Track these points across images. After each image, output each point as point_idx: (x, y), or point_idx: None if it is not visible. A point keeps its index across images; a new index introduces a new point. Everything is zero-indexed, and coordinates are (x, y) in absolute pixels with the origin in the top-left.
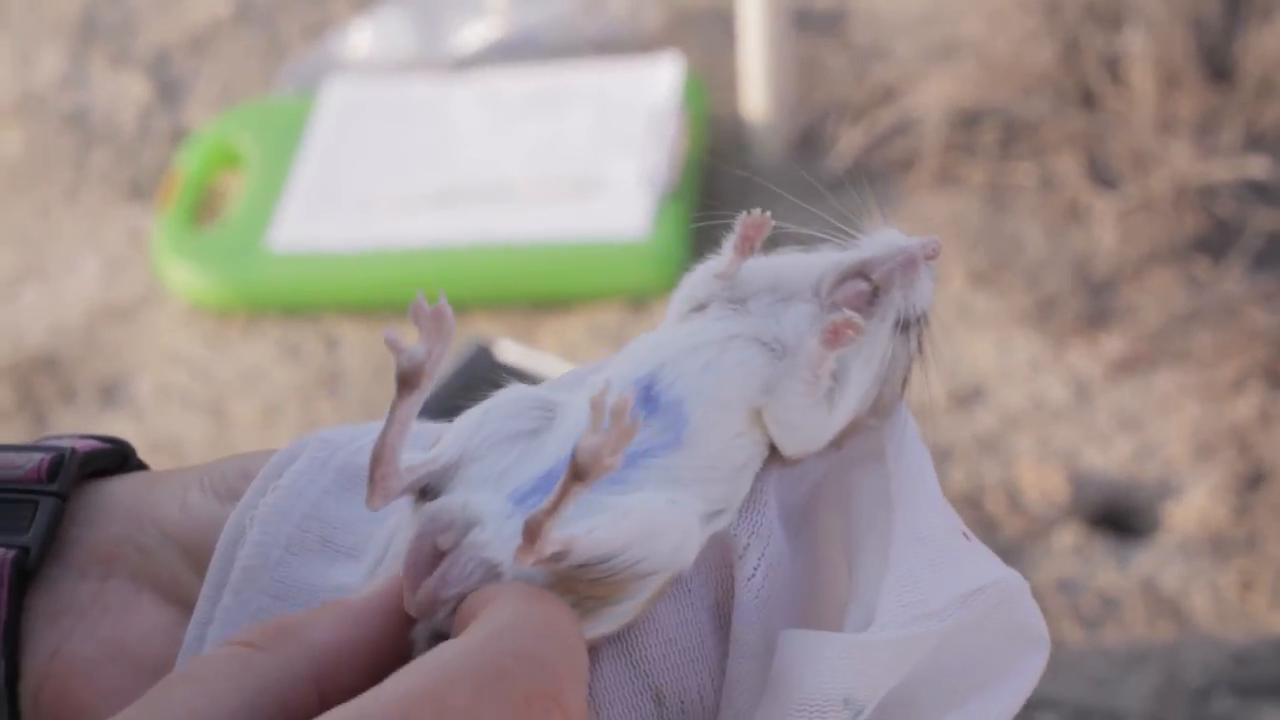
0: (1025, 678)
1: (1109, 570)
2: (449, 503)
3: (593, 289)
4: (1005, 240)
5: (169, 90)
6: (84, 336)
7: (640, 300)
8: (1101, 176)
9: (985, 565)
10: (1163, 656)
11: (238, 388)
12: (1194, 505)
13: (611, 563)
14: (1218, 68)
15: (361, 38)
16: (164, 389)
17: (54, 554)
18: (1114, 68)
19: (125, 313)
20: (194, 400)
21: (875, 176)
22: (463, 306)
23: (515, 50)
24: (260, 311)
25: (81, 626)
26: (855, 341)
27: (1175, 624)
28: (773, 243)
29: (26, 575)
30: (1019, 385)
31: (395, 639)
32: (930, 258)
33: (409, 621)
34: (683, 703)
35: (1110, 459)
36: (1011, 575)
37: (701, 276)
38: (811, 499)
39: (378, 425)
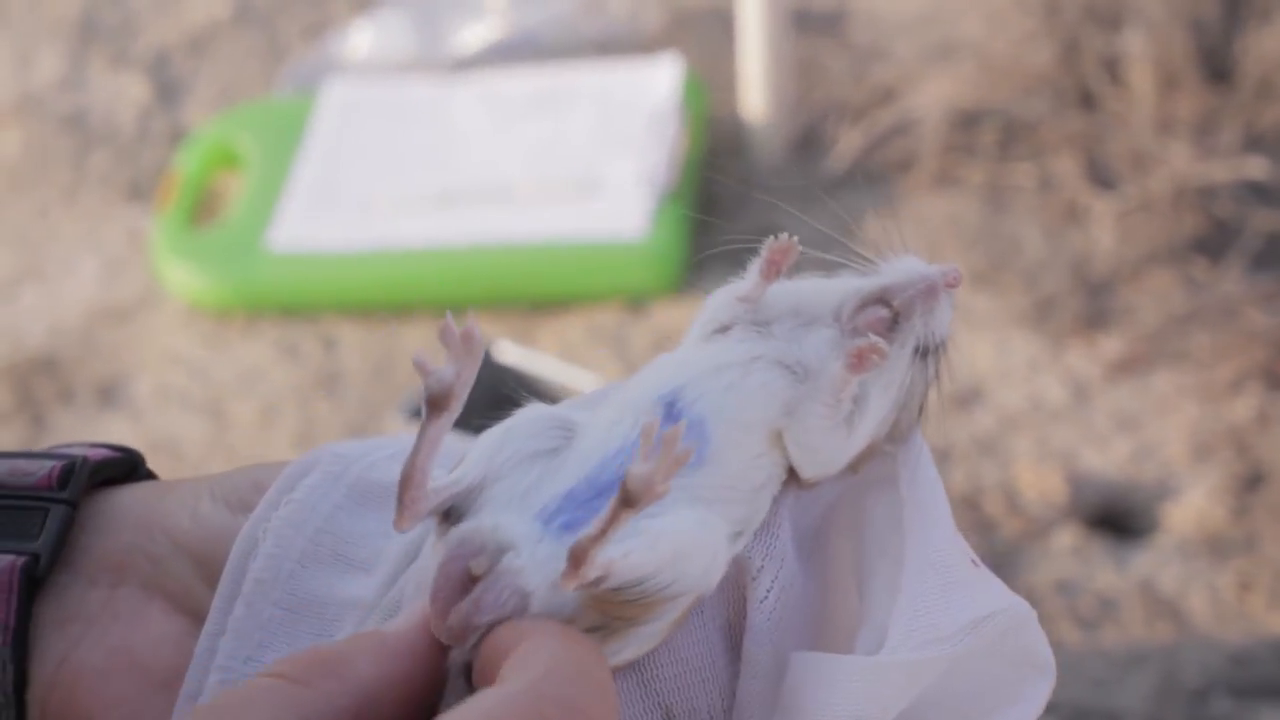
0: (1032, 704)
1: (1107, 571)
2: (479, 526)
3: (592, 290)
4: (1004, 241)
5: (168, 91)
6: (83, 337)
7: (639, 301)
8: (1100, 177)
9: (994, 592)
10: (1161, 657)
11: (236, 388)
12: (1192, 506)
13: (644, 585)
14: (1217, 69)
15: (361, 38)
16: (163, 390)
17: (64, 561)
18: (1113, 68)
19: (124, 313)
20: (193, 401)
21: (874, 177)
22: (462, 307)
23: (515, 51)
24: (259, 312)
25: (90, 635)
26: (877, 367)
27: (1173, 625)
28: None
29: (36, 582)
30: (1017, 386)
31: (433, 674)
32: (951, 286)
33: (444, 654)
34: None
35: (1108, 460)
36: (1019, 602)
37: (725, 298)
38: (824, 522)
39: (390, 441)
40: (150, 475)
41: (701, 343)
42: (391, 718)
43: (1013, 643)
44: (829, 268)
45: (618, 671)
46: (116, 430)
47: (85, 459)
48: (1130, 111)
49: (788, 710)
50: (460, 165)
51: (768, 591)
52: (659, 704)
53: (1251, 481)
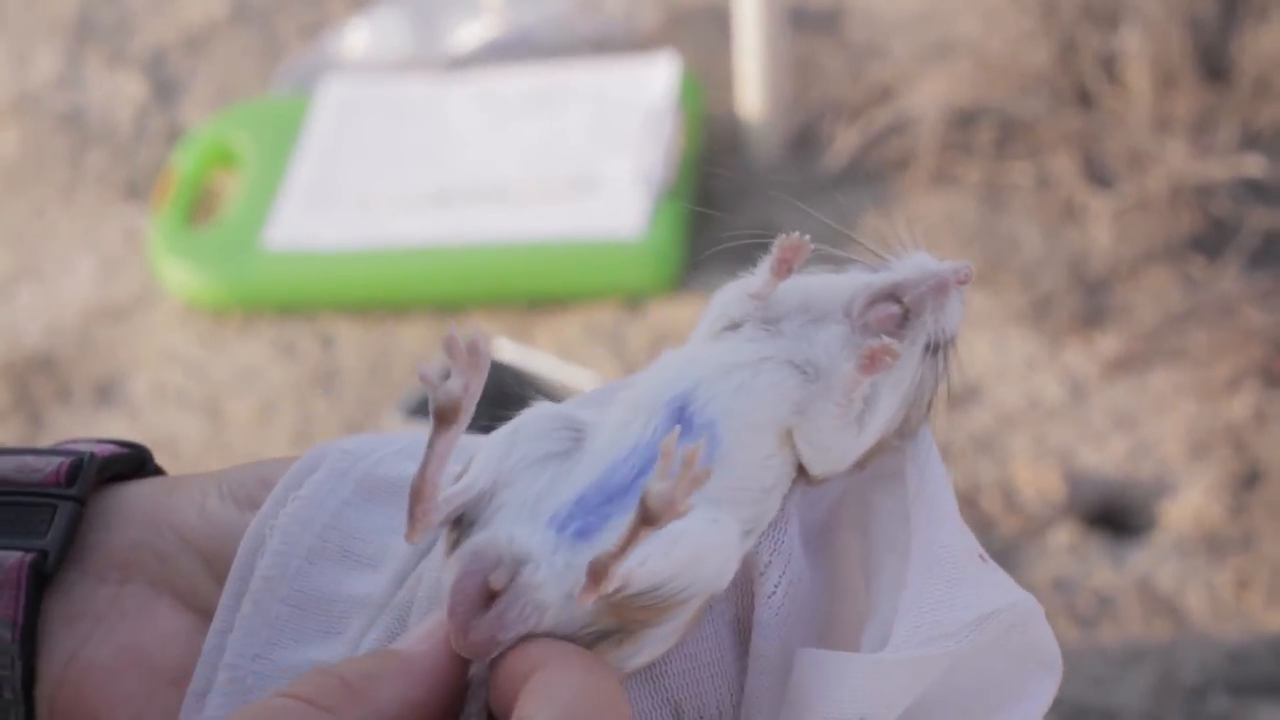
0: (1038, 700)
1: (1105, 569)
2: (494, 539)
3: (589, 288)
4: (1001, 239)
5: (165, 90)
6: (80, 336)
7: (636, 299)
8: (1097, 176)
9: (1001, 588)
10: (1158, 655)
11: (233, 387)
12: (1189, 504)
13: (661, 590)
14: (1214, 67)
15: (358, 37)
16: (160, 388)
17: (72, 558)
18: (1110, 67)
19: (121, 312)
20: (190, 399)
21: (871, 176)
22: (459, 305)
23: (511, 49)
24: (256, 310)
25: (98, 631)
26: (889, 368)
27: (1171, 623)
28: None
29: (44, 579)
30: (1015, 384)
31: (455, 697)
32: (962, 282)
33: (465, 675)
34: (701, 717)
35: (1106, 458)
36: (1026, 598)
37: (735, 295)
38: (831, 518)
39: (397, 436)
40: (158, 470)
41: (710, 340)
42: None
43: (1019, 638)
44: (838, 263)
45: (633, 673)
46: (114, 429)
47: (93, 455)
48: (1127, 110)
49: (793, 707)
50: (457, 164)
51: (775, 587)
52: (668, 700)
53: (1249, 479)
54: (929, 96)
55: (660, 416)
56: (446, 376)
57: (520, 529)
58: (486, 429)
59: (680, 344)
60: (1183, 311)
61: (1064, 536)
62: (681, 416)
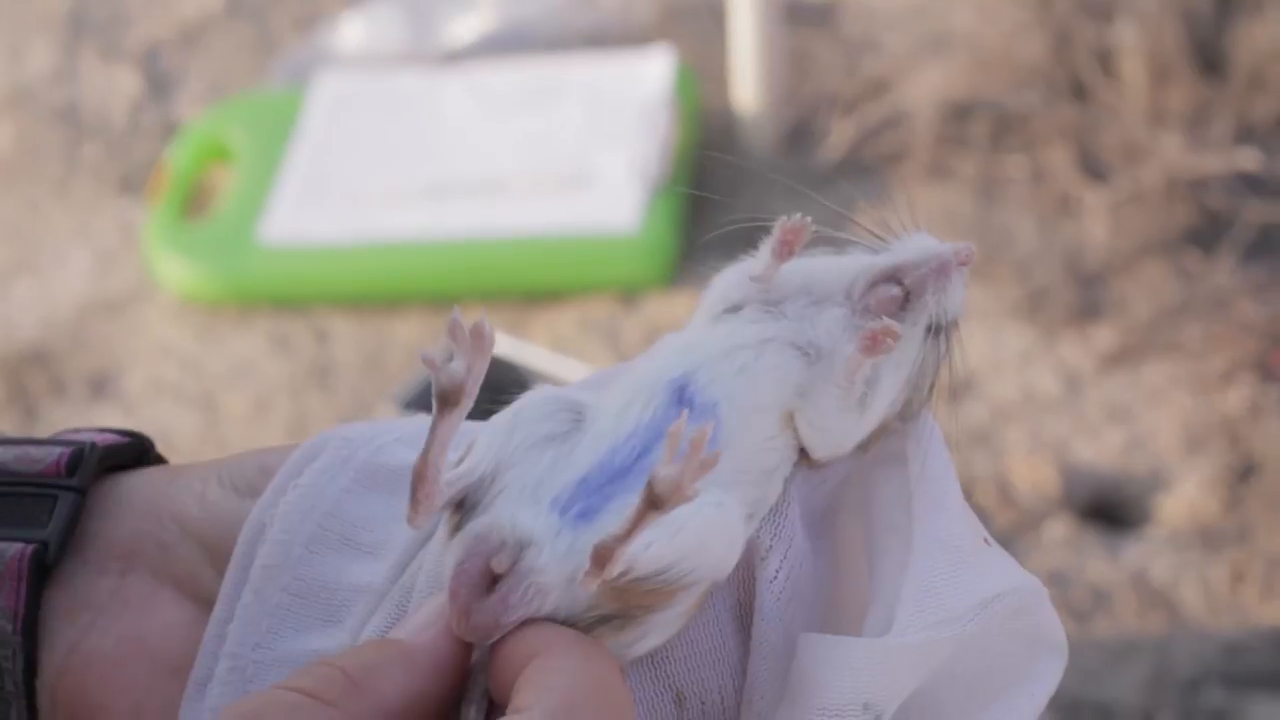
0: (1044, 683)
1: (1099, 562)
2: (496, 521)
3: (584, 282)
4: (996, 232)
5: (159, 84)
6: (74, 330)
7: (631, 293)
8: (1092, 169)
9: (1005, 570)
10: (1153, 648)
11: (228, 381)
12: (1184, 497)
13: (665, 575)
14: (1209, 60)
15: (352, 31)
16: (154, 382)
17: (73, 549)
18: (1105, 60)
19: (116, 306)
20: (184, 393)
21: (866, 169)
22: (453, 299)
23: (506, 43)
24: (251, 305)
25: (100, 622)
26: (890, 350)
27: (1166, 616)
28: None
29: (45, 570)
30: (1009, 377)
31: (456, 686)
32: (964, 263)
33: (467, 664)
34: (703, 703)
35: (1101, 451)
36: (1031, 581)
37: (736, 277)
38: (833, 501)
39: (396, 424)
40: (159, 459)
41: (711, 323)
42: None
43: (1024, 621)
44: (839, 246)
45: (635, 661)
46: (108, 423)
47: (93, 445)
48: (1122, 103)
49: (796, 692)
50: (452, 158)
51: (777, 571)
52: (670, 686)
53: (1243, 472)
54: (924, 90)
55: (661, 397)
56: (449, 360)
57: (523, 512)
58: (486, 414)
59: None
60: (1178, 305)
61: (1059, 530)
62: (683, 398)
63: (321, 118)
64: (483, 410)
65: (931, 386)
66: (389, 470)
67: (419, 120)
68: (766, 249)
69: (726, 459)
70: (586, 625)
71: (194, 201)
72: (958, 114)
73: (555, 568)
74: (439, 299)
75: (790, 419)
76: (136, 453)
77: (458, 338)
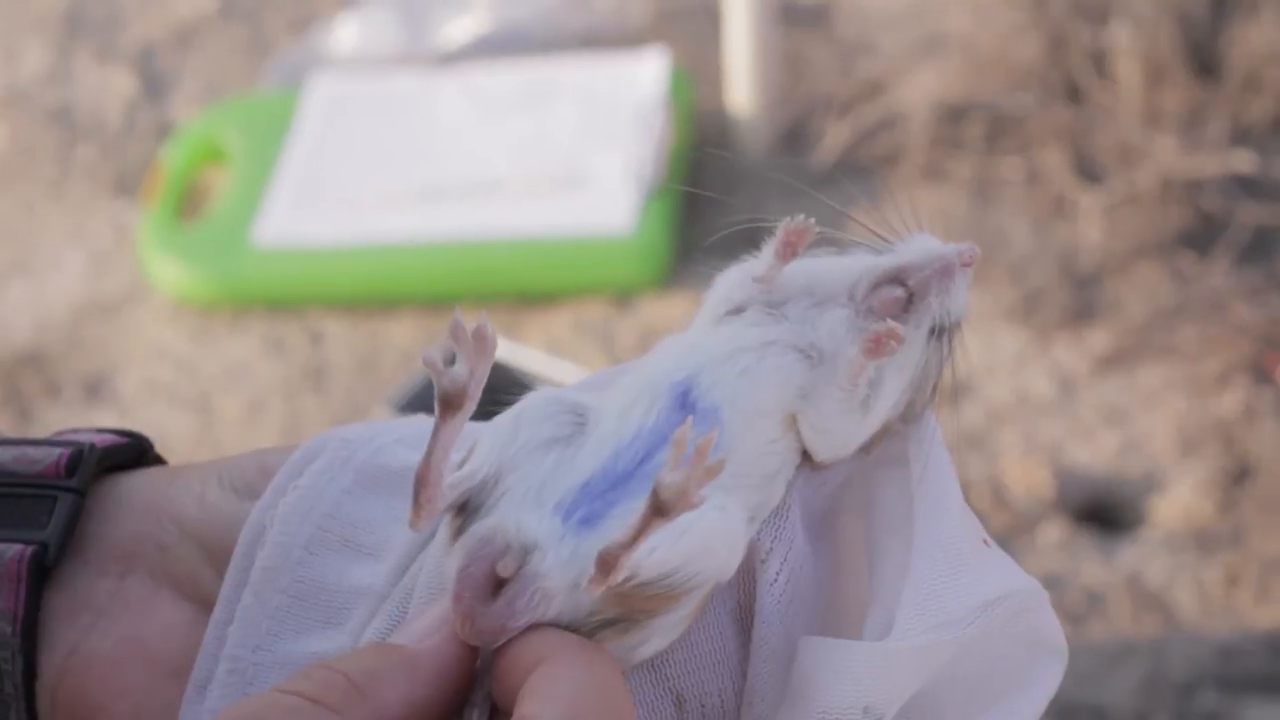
0: (1044, 686)
1: (1094, 565)
2: (501, 525)
3: (578, 284)
4: (991, 235)
5: (154, 85)
6: (69, 332)
7: (626, 295)
8: (1087, 171)
9: (1006, 573)
10: (1148, 651)
11: (223, 383)
12: (1179, 500)
13: (669, 579)
14: (1204, 62)
15: (347, 32)
16: (149, 384)
17: (73, 550)
18: (1100, 62)
19: (110, 308)
20: (179, 396)
21: (861, 171)
22: (448, 301)
23: (501, 45)
24: (245, 307)
25: (100, 624)
26: (894, 352)
27: (1160, 619)
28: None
29: (45, 571)
30: (1004, 380)
31: (460, 692)
32: (967, 264)
33: (471, 672)
34: (703, 706)
35: (1095, 454)
36: (1031, 584)
37: (739, 279)
38: (834, 503)
39: (396, 424)
40: (159, 459)
41: (713, 324)
42: None
43: (1024, 624)
44: (842, 247)
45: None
46: (102, 424)
47: (93, 446)
48: (1117, 105)
49: (797, 695)
50: (447, 160)
51: (777, 574)
52: (670, 690)
53: (1238, 475)
54: (919, 92)
55: (664, 401)
56: (451, 362)
57: (527, 516)
58: (487, 416)
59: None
60: (1172, 307)
61: (1053, 533)
62: (685, 401)
63: (316, 119)
64: (481, 412)
65: (934, 388)
66: (389, 471)
67: (414, 122)
68: (769, 250)
69: (729, 462)
70: (589, 630)
71: (189, 203)
72: (952, 116)
73: (559, 573)
74: (434, 301)
75: (793, 421)
76: (136, 453)
77: (460, 340)
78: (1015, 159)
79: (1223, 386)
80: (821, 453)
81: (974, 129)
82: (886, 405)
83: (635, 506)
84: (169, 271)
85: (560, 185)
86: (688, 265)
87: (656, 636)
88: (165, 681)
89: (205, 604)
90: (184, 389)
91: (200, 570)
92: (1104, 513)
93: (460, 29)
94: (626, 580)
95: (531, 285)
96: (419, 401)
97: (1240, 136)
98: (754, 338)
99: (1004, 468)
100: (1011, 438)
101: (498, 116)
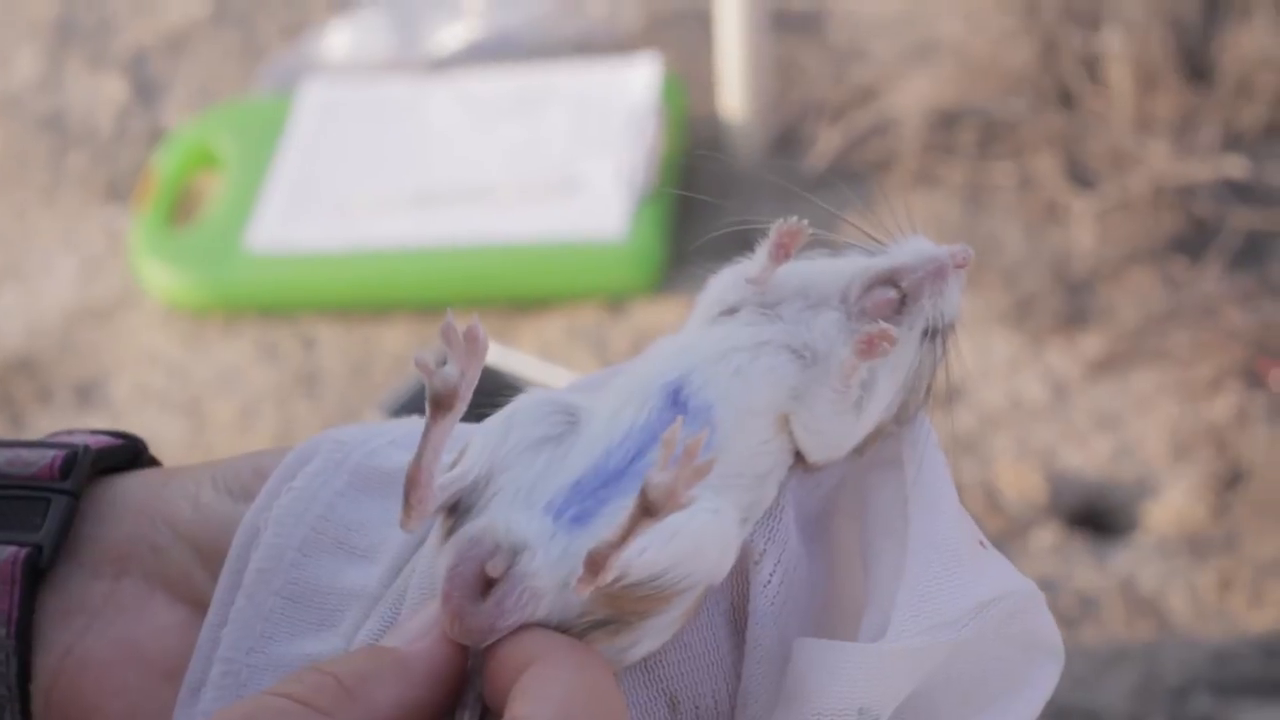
0: (1040, 687)
1: (1087, 570)
2: (491, 525)
3: (571, 289)
4: (984, 240)
5: (146, 91)
6: (61, 337)
7: (618, 301)
8: (1080, 176)
9: (1001, 574)
10: (1141, 656)
11: (215, 388)
12: (1172, 505)
13: (660, 580)
14: (1196, 68)
15: (339, 38)
16: (141, 390)
17: (67, 552)
18: (1092, 68)
19: (102, 313)
20: (171, 401)
21: (854, 177)
22: (440, 307)
23: (493, 51)
24: (238, 312)
25: (94, 626)
26: (886, 354)
27: (1153, 623)
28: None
29: (39, 574)
30: (997, 384)
31: (451, 694)
32: (960, 266)
33: (462, 675)
34: (697, 708)
35: (1088, 458)
36: (1027, 585)
37: (732, 280)
38: (827, 504)
39: (390, 426)
40: (153, 461)
41: (706, 325)
42: None
43: (1020, 626)
44: (836, 248)
45: (628, 666)
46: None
47: (87, 448)
48: (1109, 111)
49: (792, 697)
50: (439, 165)
51: (771, 575)
52: (663, 691)
53: (1231, 480)
54: (911, 97)
55: (656, 400)
56: (443, 364)
57: (517, 515)
58: (478, 418)
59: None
60: (1165, 312)
61: (1046, 537)
62: (677, 400)
63: (308, 125)
64: (473, 415)
65: (928, 390)
66: (383, 473)
67: (406, 128)
68: (763, 251)
69: (721, 462)
70: (580, 631)
71: (181, 209)
72: (945, 122)
73: (549, 572)
74: (426, 307)
75: (785, 422)
76: (130, 454)
77: (451, 341)
78: (1007, 164)
79: (1215, 391)
80: (814, 454)
81: (966, 134)
82: (879, 407)
83: (626, 504)
84: (161, 277)
85: (553, 191)
86: (680, 270)
87: (648, 638)
88: (159, 684)
89: (199, 606)
90: (176, 394)
91: (194, 572)
92: (1097, 517)
93: (452, 35)
94: (616, 581)
95: (524, 290)
96: (411, 407)
97: (1232, 142)
98: (747, 338)
99: (997, 472)
100: (1004, 442)
101: (490, 122)
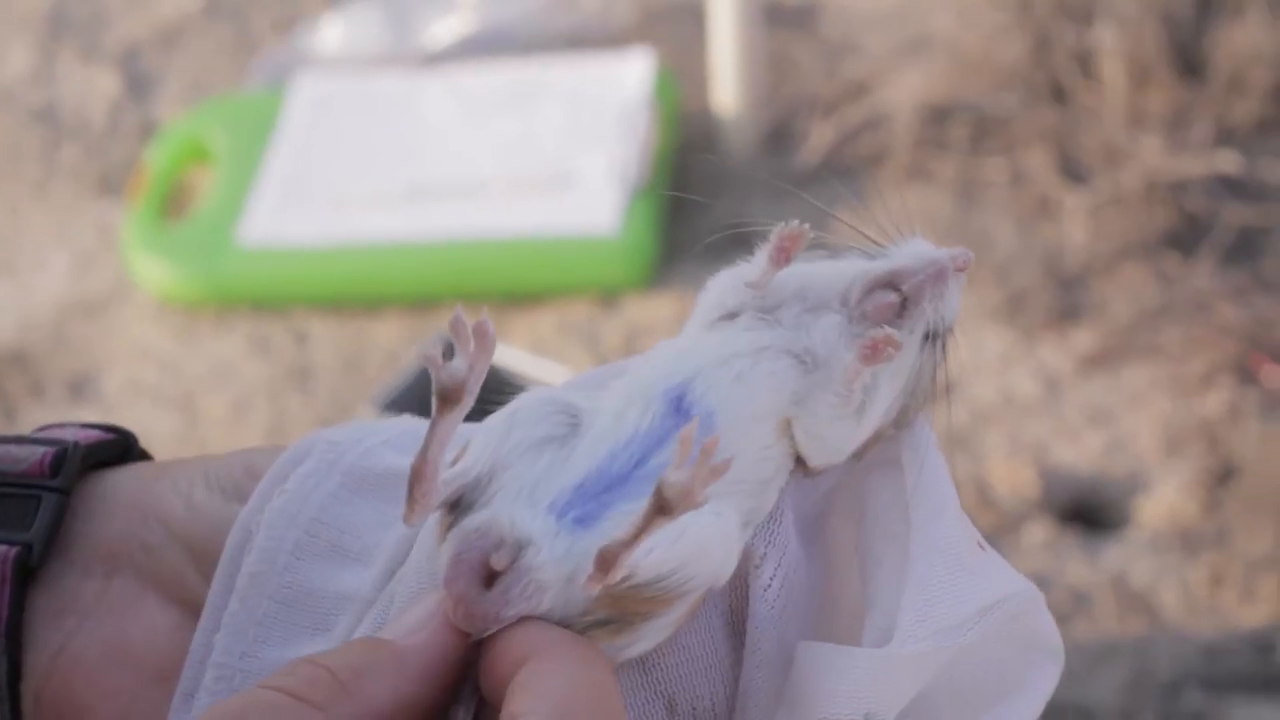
0: (1040, 689)
1: (1079, 565)
2: (495, 519)
3: (563, 284)
4: (976, 235)
5: (138, 85)
6: (53, 332)
7: (611, 295)
8: (1072, 172)
9: (1002, 577)
10: (1133, 651)
11: (207, 383)
12: (1164, 500)
13: (665, 581)
14: (1188, 63)
15: (332, 32)
16: (133, 384)
17: (57, 550)
18: (1085, 63)
19: (94, 308)
20: (163, 395)
21: (846, 172)
22: (433, 301)
23: (486, 45)
24: (230, 306)
25: (85, 626)
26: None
27: (1145, 619)
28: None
29: (29, 572)
30: (989, 380)
31: (448, 689)
32: (960, 269)
33: (460, 669)
34: (694, 711)
35: (1080, 454)
36: (1027, 586)
37: (732, 283)
38: (826, 507)
39: (384, 426)
40: (144, 455)
41: (706, 329)
42: None
43: (1021, 627)
44: (835, 251)
45: (625, 666)
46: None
47: (76, 444)
48: (1102, 106)
49: (794, 701)
50: (432, 160)
51: (771, 579)
52: (661, 694)
53: (1223, 475)
54: (904, 92)
55: (658, 405)
56: (450, 357)
57: (520, 512)
58: (476, 416)
59: (655, 340)
60: (1157, 308)
61: (1038, 532)
62: (680, 406)
63: (301, 119)
64: (476, 412)
65: (927, 393)
66: (376, 474)
67: (399, 122)
68: (762, 255)
69: None
70: (581, 629)
71: (173, 203)
72: (937, 116)
73: (553, 568)
74: (419, 301)
75: (787, 427)
76: (121, 449)
77: (460, 335)
78: (1000, 160)
79: (1207, 387)
80: (815, 458)
81: (959, 130)
82: (880, 411)
83: (630, 509)
84: (153, 271)
85: (545, 185)
86: (673, 265)
87: (646, 638)
88: (150, 685)
89: (190, 607)
90: (168, 389)
91: (186, 573)
92: (1089, 513)
93: (445, 29)
94: (623, 580)
95: (516, 285)
96: (404, 401)
97: (1225, 137)
98: (748, 343)
99: (989, 468)
100: (997, 438)
101: (483, 117)
